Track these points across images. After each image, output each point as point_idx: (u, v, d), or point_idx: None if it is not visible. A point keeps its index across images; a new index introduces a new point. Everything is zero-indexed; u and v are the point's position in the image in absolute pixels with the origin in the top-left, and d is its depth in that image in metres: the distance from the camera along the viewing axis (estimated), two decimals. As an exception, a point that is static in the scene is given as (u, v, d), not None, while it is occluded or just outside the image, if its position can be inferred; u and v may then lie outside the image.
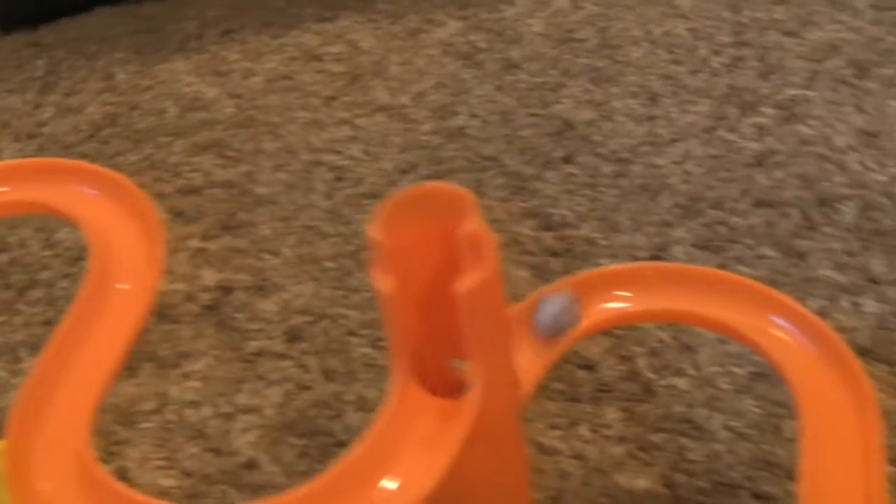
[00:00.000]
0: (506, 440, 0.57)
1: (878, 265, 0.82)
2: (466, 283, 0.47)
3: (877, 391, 0.67)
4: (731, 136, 0.99)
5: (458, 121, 1.10)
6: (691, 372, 0.76)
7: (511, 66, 1.17)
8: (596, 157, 1.01)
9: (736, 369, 0.76)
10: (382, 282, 0.48)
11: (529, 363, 0.56)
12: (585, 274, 0.67)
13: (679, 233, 0.89)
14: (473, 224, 0.46)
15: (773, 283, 0.82)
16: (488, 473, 0.55)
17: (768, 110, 1.02)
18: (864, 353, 0.75)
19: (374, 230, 0.47)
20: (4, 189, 0.69)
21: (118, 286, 0.62)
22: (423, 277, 0.50)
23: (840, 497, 0.54)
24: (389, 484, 0.47)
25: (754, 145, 0.98)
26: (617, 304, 0.66)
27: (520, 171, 1.01)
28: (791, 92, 1.03)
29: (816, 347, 0.61)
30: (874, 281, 0.80)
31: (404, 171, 1.00)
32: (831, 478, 0.55)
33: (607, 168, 0.99)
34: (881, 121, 0.96)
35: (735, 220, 0.89)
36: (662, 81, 1.09)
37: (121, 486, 0.50)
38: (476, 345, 0.49)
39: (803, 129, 0.98)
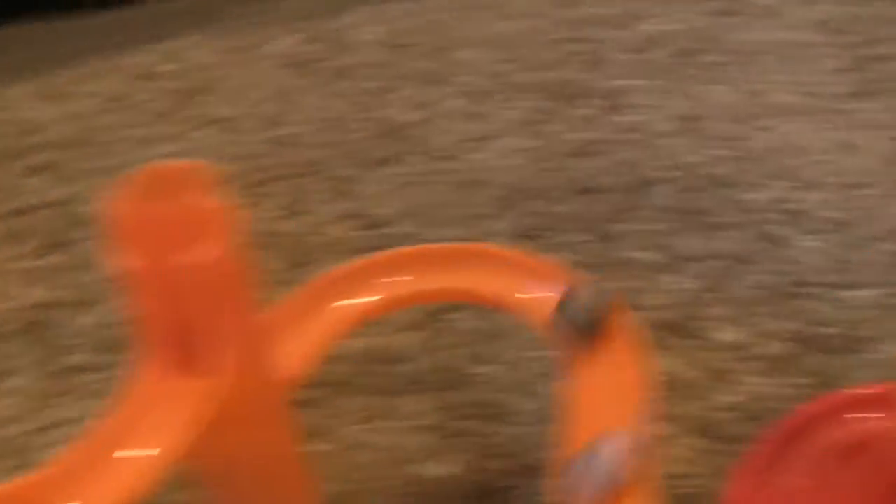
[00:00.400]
0: (264, 424, 0.56)
1: (692, 244, 0.81)
2: (195, 255, 0.46)
3: (682, 363, 0.71)
4: (556, 128, 0.99)
5: (288, 129, 1.10)
6: (503, 359, 0.74)
7: (344, 73, 1.17)
8: (420, 156, 1.00)
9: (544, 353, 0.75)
10: (123, 258, 0.46)
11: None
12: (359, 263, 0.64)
13: (499, 224, 0.88)
14: (206, 200, 0.45)
15: (589, 267, 0.81)
16: (251, 457, 0.55)
17: (594, 101, 1.01)
18: (673, 328, 0.76)
19: (113, 206, 0.45)
20: None
21: None
22: (165, 255, 0.48)
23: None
24: (125, 455, 0.47)
25: (578, 135, 0.97)
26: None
27: (345, 175, 1.00)
28: (618, 83, 1.02)
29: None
30: (689, 259, 0.79)
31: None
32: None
33: (431, 166, 0.99)
34: (702, 105, 0.95)
35: (556, 208, 0.88)
36: (491, 80, 1.08)
37: None
38: (214, 323, 0.48)
39: (626, 118, 0.98)
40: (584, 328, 0.52)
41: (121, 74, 1.18)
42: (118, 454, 0.47)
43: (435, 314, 0.75)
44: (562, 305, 0.53)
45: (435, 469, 0.66)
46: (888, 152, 0.84)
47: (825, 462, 0.53)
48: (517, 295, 0.58)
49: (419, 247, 0.62)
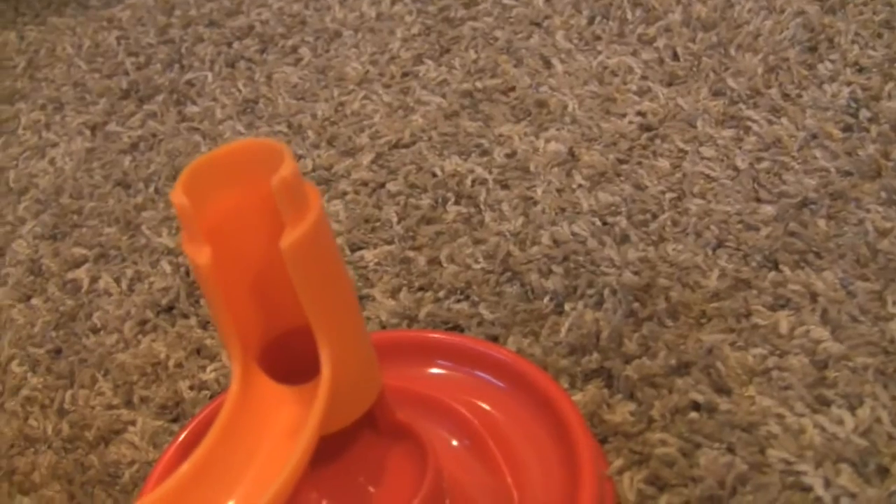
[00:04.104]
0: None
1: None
2: (290, 236, 0.41)
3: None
4: (118, 129, 0.96)
5: None
6: None
7: None
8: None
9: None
10: (196, 253, 0.42)
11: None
12: None
13: (26, 228, 0.84)
14: (288, 172, 0.40)
15: (105, 256, 0.85)
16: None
17: (161, 97, 0.99)
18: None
19: (177, 196, 0.41)
20: None
21: None
22: (246, 245, 0.44)
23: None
24: (248, 482, 0.43)
25: (135, 132, 0.94)
26: None
27: None
28: (189, 76, 1.00)
29: None
30: None
31: None
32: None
33: (-18, 182, 0.95)
34: (266, 88, 0.94)
35: (88, 204, 0.85)
36: (70, 88, 1.05)
37: None
38: (315, 307, 0.43)
39: (188, 109, 0.95)
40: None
41: None
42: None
43: None
44: None
45: None
46: (446, 109, 0.83)
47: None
48: None
49: None
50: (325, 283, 0.45)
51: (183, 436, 0.62)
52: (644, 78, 0.86)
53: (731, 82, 0.82)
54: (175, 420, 0.67)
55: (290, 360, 0.48)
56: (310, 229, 0.43)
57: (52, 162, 0.98)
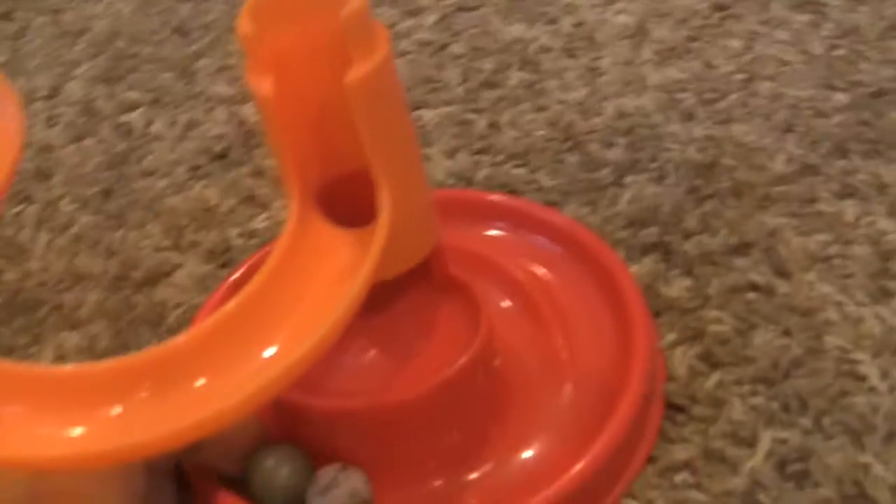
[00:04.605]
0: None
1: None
2: (357, 72, 0.40)
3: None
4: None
5: None
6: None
7: None
8: (32, 12, 0.96)
9: None
10: (260, 83, 0.41)
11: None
12: None
13: (81, 69, 0.84)
14: (359, 4, 0.39)
15: (160, 102, 0.85)
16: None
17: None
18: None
19: (244, 24, 0.40)
20: None
21: None
22: (309, 81, 0.43)
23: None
24: (298, 320, 0.42)
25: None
26: None
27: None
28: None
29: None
30: None
31: None
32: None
33: (40, 20, 0.94)
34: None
35: (144, 49, 0.84)
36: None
37: None
38: (375, 148, 0.42)
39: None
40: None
41: None
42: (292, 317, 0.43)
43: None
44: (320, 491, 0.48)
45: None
46: None
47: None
48: None
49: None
50: (388, 123, 0.44)
51: (231, 279, 0.61)
52: (721, -44, 0.83)
53: (811, -34, 0.80)
54: (223, 266, 0.66)
55: (347, 204, 0.47)
56: (377, 66, 0.41)
57: (109, 5, 0.97)
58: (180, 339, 0.42)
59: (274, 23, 0.42)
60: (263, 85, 0.42)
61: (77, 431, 0.41)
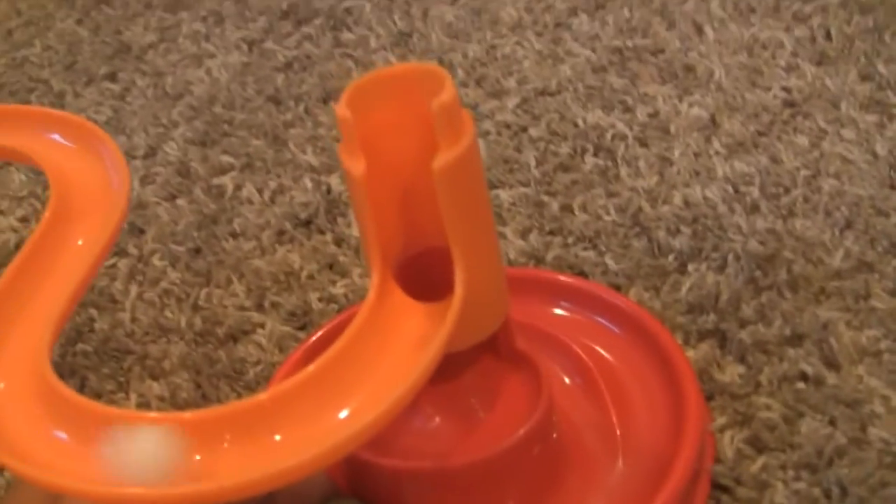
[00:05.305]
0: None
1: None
2: (444, 158, 0.43)
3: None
4: (274, 47, 1.01)
5: (29, 52, 1.16)
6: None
7: (102, 2, 1.23)
8: (136, 73, 1.02)
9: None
10: (352, 163, 0.45)
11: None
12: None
13: (178, 131, 0.89)
14: (449, 96, 0.43)
15: (251, 167, 0.90)
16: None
17: (319, 21, 1.03)
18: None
19: (342, 108, 0.44)
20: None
21: (81, 220, 0.61)
22: (397, 162, 0.47)
23: None
24: (373, 385, 0.45)
25: (290, 52, 0.98)
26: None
27: (62, 90, 1.02)
28: (348, 3, 1.04)
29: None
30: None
31: None
32: None
33: (141, 82, 1.00)
34: (421, 23, 0.97)
35: (238, 116, 0.89)
36: (232, 3, 1.10)
37: (81, 398, 0.48)
38: (456, 228, 0.46)
39: (344, 35, 0.99)
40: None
41: None
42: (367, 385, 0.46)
43: None
44: None
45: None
46: (594, 63, 0.88)
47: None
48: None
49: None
50: (470, 205, 0.48)
51: (310, 342, 0.65)
52: (794, 55, 0.87)
53: (881, 68, 0.83)
54: (302, 328, 0.70)
55: (423, 279, 0.51)
56: (463, 152, 0.46)
57: (208, 72, 1.02)
58: (262, 395, 0.46)
59: (369, 107, 0.47)
60: (356, 165, 0.46)
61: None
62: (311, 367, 0.46)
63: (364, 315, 0.47)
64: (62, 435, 0.47)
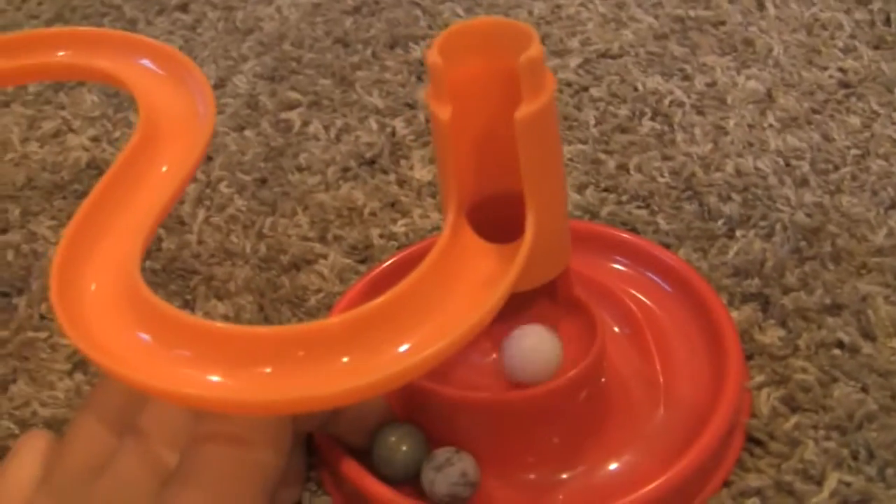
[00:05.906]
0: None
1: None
2: (526, 109, 0.47)
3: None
4: (342, -10, 1.03)
5: None
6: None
7: None
8: (206, 5, 1.05)
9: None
10: (440, 108, 0.48)
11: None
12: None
13: (248, 65, 0.92)
14: (535, 52, 0.46)
15: (318, 105, 0.93)
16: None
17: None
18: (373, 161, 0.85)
19: (433, 55, 0.47)
20: (62, 53, 0.72)
21: (168, 145, 0.65)
22: (479, 110, 0.50)
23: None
24: (440, 319, 0.48)
25: (360, -2, 1.01)
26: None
27: (134, 17, 1.05)
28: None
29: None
30: (412, 106, 0.91)
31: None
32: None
33: (212, 15, 1.03)
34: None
35: (307, 55, 0.92)
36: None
37: (167, 305, 0.49)
38: (531, 175, 0.49)
39: (412, -15, 1.01)
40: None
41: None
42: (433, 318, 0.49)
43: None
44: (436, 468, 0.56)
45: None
46: (657, 30, 0.89)
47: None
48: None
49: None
50: (545, 155, 0.52)
51: (370, 276, 0.68)
52: (852, 37, 0.90)
53: (937, 56, 0.86)
54: (362, 261, 0.74)
55: (491, 223, 0.54)
56: (544, 106, 0.49)
57: (278, 10, 1.05)
58: (333, 320, 0.50)
59: (459, 56, 0.50)
60: (443, 110, 0.50)
61: (236, 381, 0.47)
62: (382, 298, 0.49)
63: (437, 251, 0.51)
64: (146, 337, 0.50)
